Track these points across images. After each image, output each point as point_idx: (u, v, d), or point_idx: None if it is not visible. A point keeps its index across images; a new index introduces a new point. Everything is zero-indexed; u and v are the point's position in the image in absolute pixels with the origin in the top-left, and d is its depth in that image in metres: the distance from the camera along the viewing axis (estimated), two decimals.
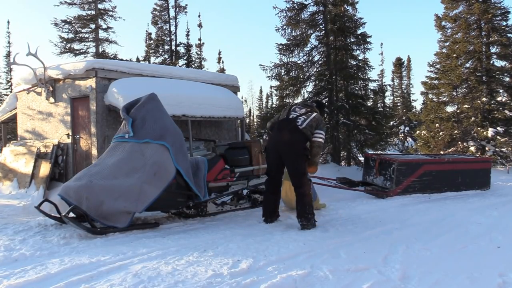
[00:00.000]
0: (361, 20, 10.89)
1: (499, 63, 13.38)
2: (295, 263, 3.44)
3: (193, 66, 24.18)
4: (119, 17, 21.20)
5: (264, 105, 50.28)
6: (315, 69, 10.98)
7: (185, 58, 23.77)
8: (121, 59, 19.59)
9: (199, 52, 25.84)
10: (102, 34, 20.26)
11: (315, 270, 3.25)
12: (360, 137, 10.56)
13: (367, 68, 10.88)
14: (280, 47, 10.76)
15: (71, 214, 4.60)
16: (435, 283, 3.02)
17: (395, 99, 32.73)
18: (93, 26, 19.89)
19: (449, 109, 14.06)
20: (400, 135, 25.23)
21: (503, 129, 12.49)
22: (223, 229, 4.80)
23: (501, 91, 13.51)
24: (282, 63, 10.81)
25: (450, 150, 13.22)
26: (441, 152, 12.88)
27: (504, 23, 13.13)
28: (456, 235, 4.45)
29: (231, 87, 9.41)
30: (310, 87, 11.10)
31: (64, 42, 19.69)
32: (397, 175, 7.33)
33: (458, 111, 13.53)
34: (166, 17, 23.17)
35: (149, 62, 22.98)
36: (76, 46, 19.96)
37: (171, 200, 5.19)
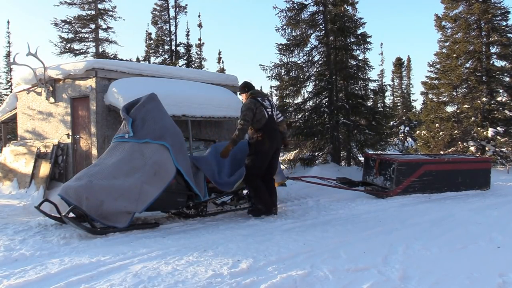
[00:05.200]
0: (361, 20, 10.89)
1: (499, 63, 13.39)
2: (295, 263, 3.44)
3: (193, 66, 24.19)
4: (119, 17, 21.26)
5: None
6: (315, 69, 10.97)
7: (185, 58, 23.78)
8: (121, 59, 19.61)
9: (199, 52, 25.87)
10: (102, 34, 20.31)
11: (315, 270, 3.25)
12: (360, 137, 10.55)
13: (367, 68, 10.88)
14: (280, 47, 10.75)
15: (71, 214, 4.60)
16: (435, 283, 3.02)
17: (395, 99, 32.77)
18: (93, 26, 19.91)
19: (449, 109, 14.07)
20: (400, 135, 25.23)
21: (503, 129, 12.48)
22: (223, 229, 4.80)
23: (501, 91, 13.51)
24: (282, 63, 10.80)
25: (450, 150, 13.21)
26: (441, 152, 12.88)
27: (504, 23, 13.13)
28: (456, 235, 4.45)
29: (231, 87, 9.40)
30: (310, 87, 11.10)
31: (64, 42, 19.72)
32: (397, 175, 7.33)
33: (458, 111, 13.53)
34: (166, 17, 23.19)
35: (149, 62, 22.99)
36: (76, 46, 20.00)
37: (171, 200, 5.19)
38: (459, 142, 13.24)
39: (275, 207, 5.76)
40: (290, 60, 10.86)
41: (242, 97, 6.04)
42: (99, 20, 19.99)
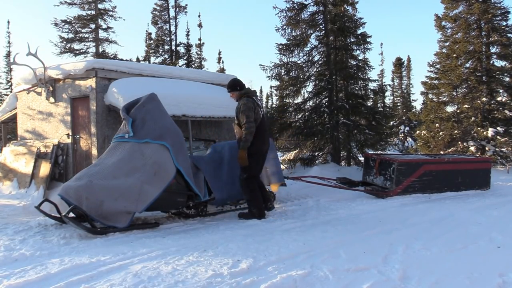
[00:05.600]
0: (361, 20, 10.90)
1: (499, 63, 13.40)
2: (295, 263, 3.44)
3: (193, 66, 24.19)
4: (119, 17, 21.29)
5: (264, 105, 50.44)
6: (315, 69, 10.97)
7: (185, 58, 23.78)
8: (121, 59, 19.61)
9: (199, 52, 25.87)
10: (102, 34, 20.32)
11: (315, 270, 3.25)
12: (360, 137, 10.55)
13: (367, 68, 10.88)
14: (280, 47, 10.76)
15: (71, 214, 4.60)
16: (435, 283, 3.02)
17: (395, 99, 32.80)
18: (93, 26, 19.92)
19: (449, 109, 14.07)
20: (400, 135, 25.23)
21: (503, 129, 12.48)
22: (223, 229, 4.80)
23: (501, 91, 13.51)
24: (282, 63, 10.81)
25: (450, 150, 13.21)
26: (441, 152, 12.88)
27: (504, 23, 13.14)
28: (456, 235, 4.45)
29: None
30: (310, 87, 11.11)
31: (64, 42, 19.73)
32: (397, 175, 7.33)
33: (458, 111, 13.53)
34: (166, 17, 23.19)
35: (149, 62, 23.00)
36: (76, 46, 20.01)
37: (171, 200, 5.19)
38: (459, 142, 13.24)
39: (271, 202, 5.75)
40: (290, 60, 10.88)
41: (231, 95, 5.71)
42: (99, 20, 19.99)
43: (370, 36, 10.67)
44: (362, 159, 10.01)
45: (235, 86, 5.63)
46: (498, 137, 12.56)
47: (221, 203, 5.70)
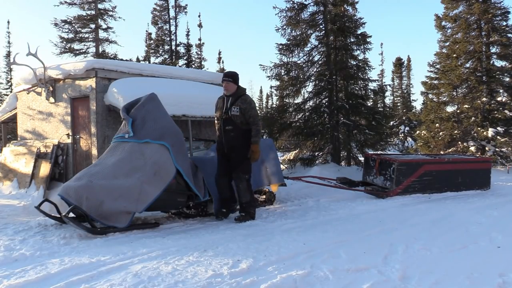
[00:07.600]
0: (361, 20, 10.90)
1: (499, 63, 13.40)
2: (295, 263, 3.44)
3: (193, 66, 24.19)
4: (119, 17, 21.27)
5: (264, 105, 50.45)
6: (315, 69, 10.98)
7: (185, 58, 23.78)
8: (121, 59, 19.60)
9: (199, 52, 25.89)
10: (102, 34, 20.32)
11: (315, 270, 3.25)
12: (360, 137, 10.56)
13: (367, 68, 10.89)
14: (280, 47, 10.76)
15: (71, 214, 4.60)
16: (435, 283, 3.02)
17: (395, 99, 32.85)
18: (93, 26, 19.91)
19: (449, 109, 14.07)
20: (400, 135, 25.24)
21: (503, 129, 12.48)
22: (223, 229, 4.80)
23: (501, 91, 13.50)
24: (282, 63, 10.81)
25: (450, 150, 13.21)
26: (441, 152, 12.88)
27: (504, 23, 13.14)
28: (456, 235, 4.45)
29: None
30: (310, 87, 11.11)
31: (64, 42, 19.73)
32: (397, 175, 7.33)
33: (458, 111, 13.53)
34: (166, 17, 23.19)
35: (149, 62, 23.00)
36: (76, 46, 20.01)
37: (171, 200, 5.19)
38: (459, 142, 13.24)
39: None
40: (290, 60, 10.88)
41: (226, 85, 5.30)
42: (99, 20, 19.99)
43: (370, 36, 10.69)
44: (362, 159, 10.02)
45: (237, 78, 5.36)
46: (498, 137, 12.56)
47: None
